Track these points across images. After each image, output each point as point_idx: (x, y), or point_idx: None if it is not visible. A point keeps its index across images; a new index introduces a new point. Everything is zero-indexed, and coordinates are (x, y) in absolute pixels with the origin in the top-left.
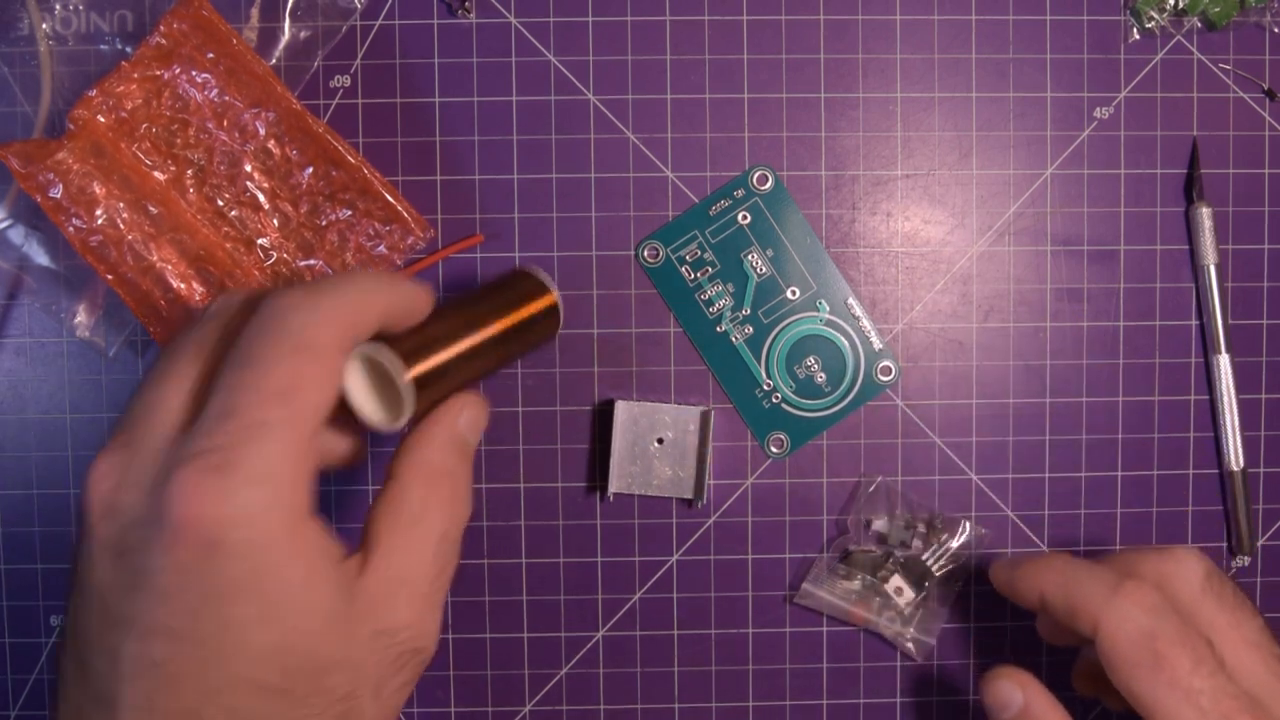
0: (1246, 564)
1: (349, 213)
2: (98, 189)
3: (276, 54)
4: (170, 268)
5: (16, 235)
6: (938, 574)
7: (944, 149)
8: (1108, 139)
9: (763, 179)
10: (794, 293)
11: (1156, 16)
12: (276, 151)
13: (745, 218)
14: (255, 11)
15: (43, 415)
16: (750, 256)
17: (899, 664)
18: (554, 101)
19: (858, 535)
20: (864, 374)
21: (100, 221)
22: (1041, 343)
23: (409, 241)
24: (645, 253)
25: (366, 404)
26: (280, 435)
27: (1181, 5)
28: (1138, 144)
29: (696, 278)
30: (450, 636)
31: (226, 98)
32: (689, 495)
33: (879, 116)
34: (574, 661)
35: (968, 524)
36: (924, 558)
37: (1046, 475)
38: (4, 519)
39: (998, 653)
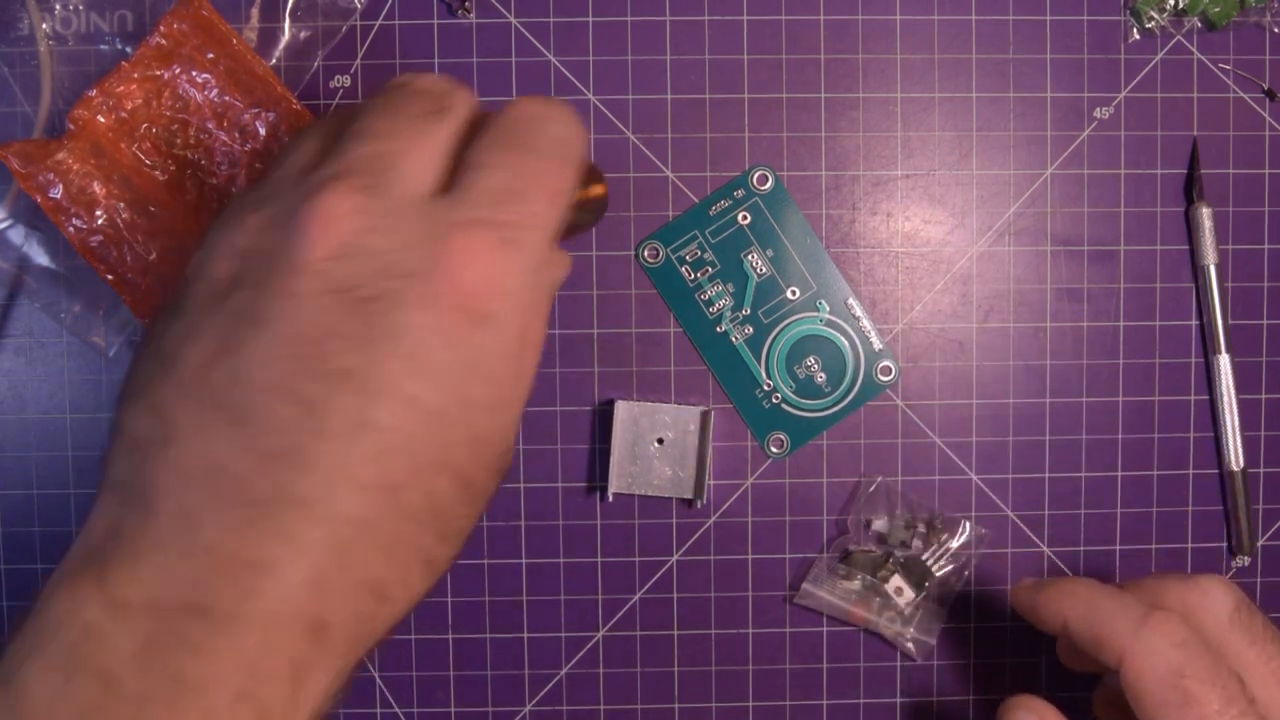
0: (1246, 564)
1: None
2: (98, 189)
3: (276, 54)
4: (170, 268)
5: (16, 235)
6: (938, 574)
7: (944, 149)
8: (1108, 139)
9: (763, 179)
10: (794, 293)
11: (1156, 16)
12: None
13: (745, 218)
14: (255, 11)
15: (43, 415)
16: (750, 256)
17: (899, 664)
18: None
19: (858, 535)
20: (864, 374)
21: (100, 221)
22: (1041, 343)
23: None
24: (645, 253)
25: None
26: (550, 234)
27: (1181, 5)
28: (1138, 144)
29: (696, 278)
30: (450, 636)
31: (226, 98)
32: (689, 495)
33: (879, 116)
34: (574, 661)
35: (968, 524)
36: (924, 558)
37: (1046, 475)
38: (4, 519)
39: (998, 653)
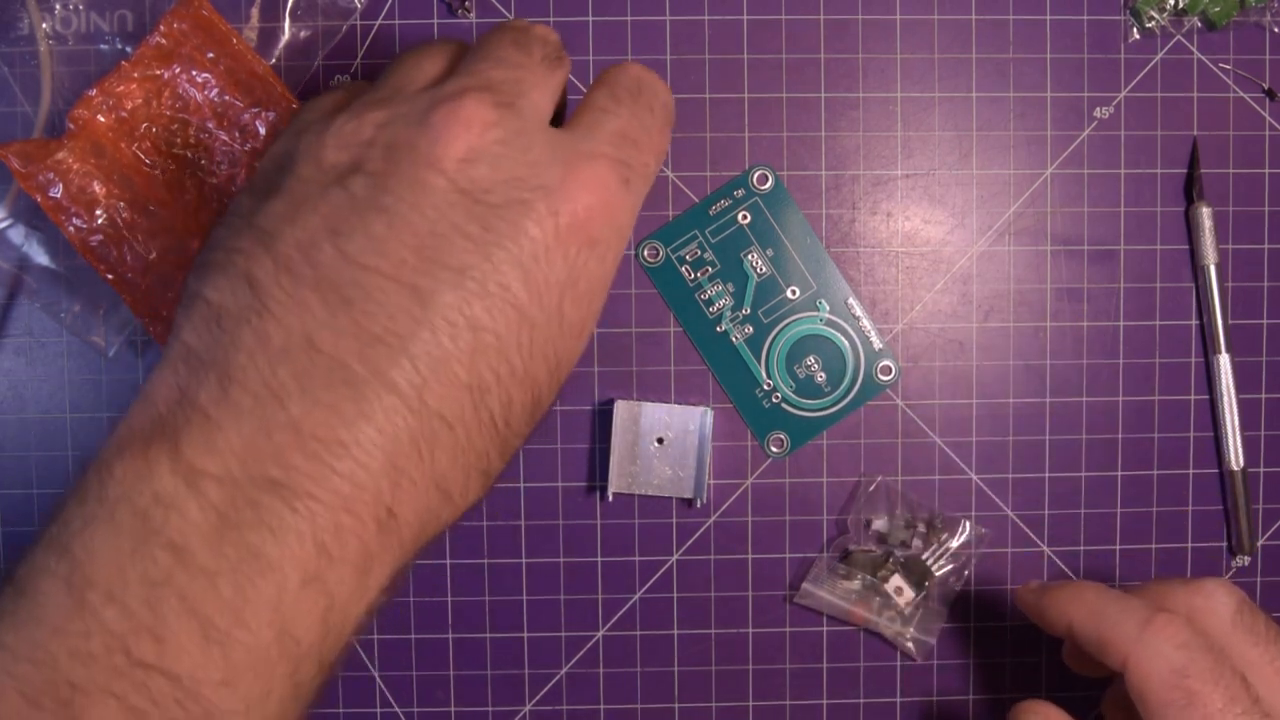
0: (1246, 564)
1: None
2: (98, 189)
3: (276, 54)
4: (170, 267)
5: (16, 235)
6: (938, 574)
7: (944, 149)
8: (1108, 139)
9: (763, 179)
10: (794, 292)
11: (1156, 16)
12: None
13: (745, 217)
14: (255, 11)
15: (43, 415)
16: (750, 256)
17: (899, 664)
18: None
19: (858, 535)
20: (864, 374)
21: (100, 221)
22: (1041, 343)
23: None
24: (645, 252)
25: None
26: (648, 189)
27: (1181, 5)
28: (1138, 144)
29: (696, 277)
30: (450, 636)
31: (227, 97)
32: (689, 495)
33: (879, 116)
34: (574, 661)
35: (968, 524)
36: (924, 557)
37: (1046, 475)
38: (4, 519)
39: (998, 653)
